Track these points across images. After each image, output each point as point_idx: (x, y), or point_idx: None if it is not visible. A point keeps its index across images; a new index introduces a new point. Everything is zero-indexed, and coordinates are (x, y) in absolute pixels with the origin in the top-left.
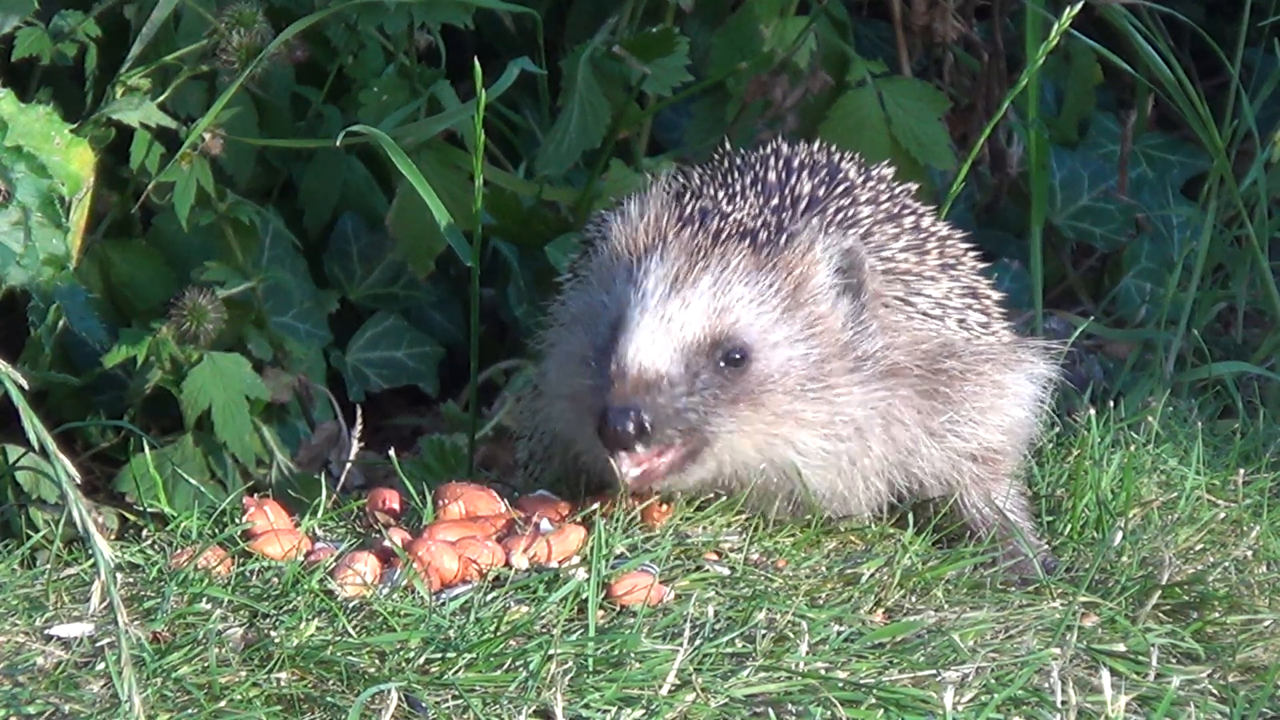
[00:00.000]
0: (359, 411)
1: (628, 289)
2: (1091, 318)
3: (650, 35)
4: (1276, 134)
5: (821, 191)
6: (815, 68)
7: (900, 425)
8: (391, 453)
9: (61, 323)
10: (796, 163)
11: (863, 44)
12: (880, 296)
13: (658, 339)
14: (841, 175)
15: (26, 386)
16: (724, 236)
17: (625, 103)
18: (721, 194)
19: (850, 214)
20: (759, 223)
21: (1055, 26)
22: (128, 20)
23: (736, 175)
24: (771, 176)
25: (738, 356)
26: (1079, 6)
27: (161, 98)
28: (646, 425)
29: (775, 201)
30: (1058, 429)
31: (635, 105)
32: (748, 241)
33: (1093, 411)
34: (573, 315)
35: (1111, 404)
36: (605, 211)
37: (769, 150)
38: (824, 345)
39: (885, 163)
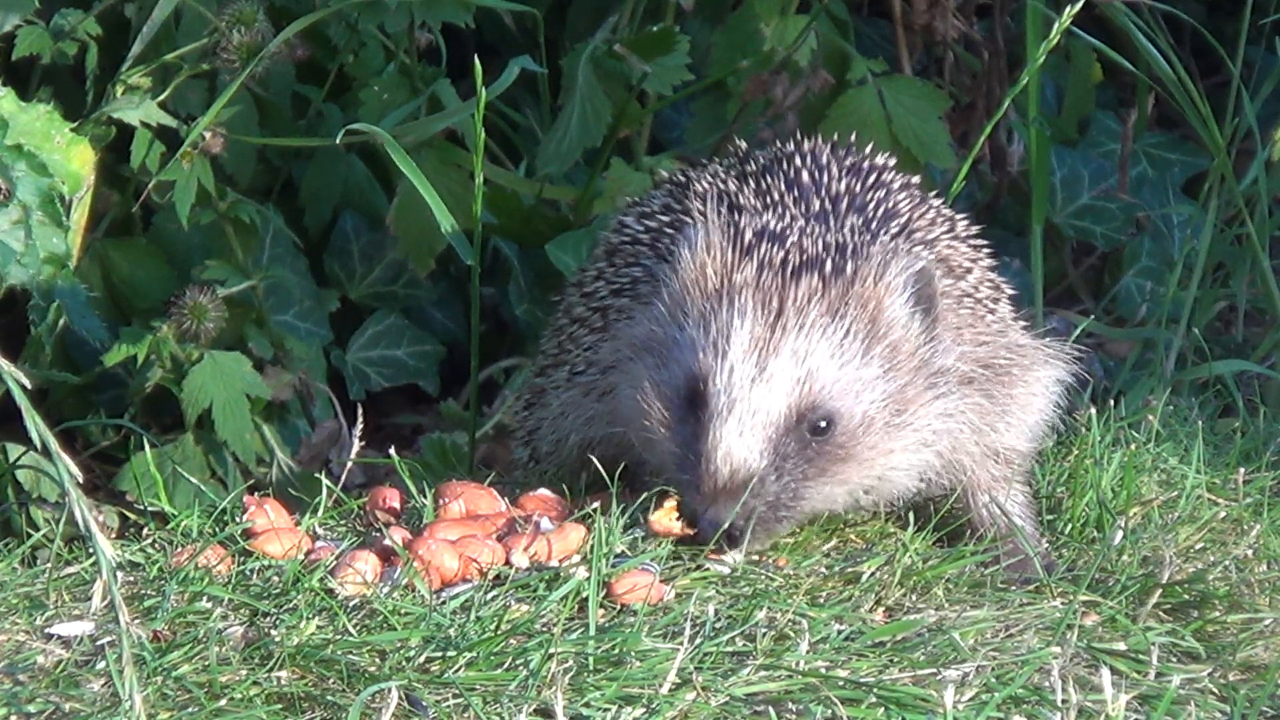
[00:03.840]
0: (360, 410)
1: (704, 343)
2: (1092, 316)
3: (651, 34)
4: (1277, 132)
5: (858, 186)
6: (816, 66)
7: (962, 428)
8: (392, 451)
9: (62, 321)
10: (824, 159)
11: (863, 42)
12: (945, 299)
13: (746, 434)
14: (869, 167)
15: (29, 385)
16: (790, 270)
17: (626, 101)
18: (760, 203)
19: (890, 206)
20: (816, 239)
21: (1056, 25)
22: (128, 19)
23: (770, 180)
24: (806, 178)
25: (823, 425)
26: (1079, 5)
27: (162, 96)
28: (738, 534)
29: (817, 207)
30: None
31: (636, 104)
32: (818, 277)
33: (1093, 410)
34: (643, 342)
35: (1112, 403)
36: (624, 217)
37: (791, 149)
38: (903, 372)
39: (888, 154)
